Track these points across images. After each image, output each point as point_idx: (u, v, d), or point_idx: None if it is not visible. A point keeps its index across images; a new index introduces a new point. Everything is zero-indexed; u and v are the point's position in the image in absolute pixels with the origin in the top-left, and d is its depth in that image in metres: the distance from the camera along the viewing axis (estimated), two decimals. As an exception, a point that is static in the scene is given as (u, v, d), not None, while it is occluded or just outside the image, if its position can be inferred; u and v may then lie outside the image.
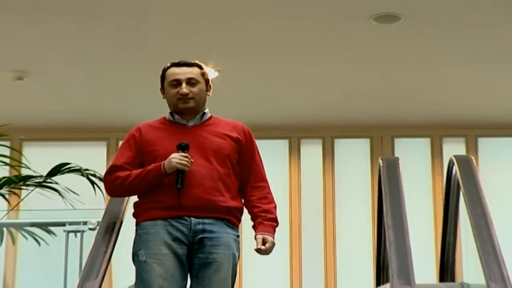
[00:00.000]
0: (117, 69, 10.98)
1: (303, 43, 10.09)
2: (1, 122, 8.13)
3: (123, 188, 5.28)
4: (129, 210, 5.50)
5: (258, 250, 5.19)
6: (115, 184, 5.27)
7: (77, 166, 7.89)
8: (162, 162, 5.14)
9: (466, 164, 6.08)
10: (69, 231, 7.26)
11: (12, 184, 7.96)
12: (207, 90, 5.47)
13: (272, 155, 11.83)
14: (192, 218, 5.13)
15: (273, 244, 5.23)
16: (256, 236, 5.22)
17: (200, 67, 5.48)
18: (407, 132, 12.82)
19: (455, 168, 6.22)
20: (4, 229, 7.85)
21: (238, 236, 5.29)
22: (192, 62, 5.49)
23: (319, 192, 12.67)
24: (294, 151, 12.81)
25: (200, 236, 5.12)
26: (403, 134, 12.81)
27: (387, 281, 5.83)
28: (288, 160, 12.79)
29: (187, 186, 5.13)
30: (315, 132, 12.74)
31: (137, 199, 5.35)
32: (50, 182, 7.83)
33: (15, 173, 8.41)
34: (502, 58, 10.56)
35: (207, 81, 5.47)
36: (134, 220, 5.29)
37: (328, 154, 12.76)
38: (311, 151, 12.82)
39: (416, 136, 12.81)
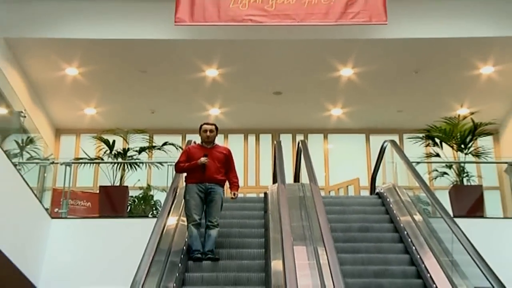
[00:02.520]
0: (186, 106, 10.04)
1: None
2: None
3: (182, 170, 4.92)
4: (181, 179, 5.06)
5: (232, 198, 4.93)
6: (178, 168, 4.93)
7: (171, 142, 7.68)
8: (198, 160, 4.81)
9: (304, 144, 6.01)
10: (168, 165, 6.99)
11: (148, 149, 7.75)
12: (216, 134, 5.05)
13: (235, 144, 11.12)
14: (207, 184, 4.80)
15: (237, 195, 4.95)
16: (231, 192, 4.93)
17: (215, 125, 5.06)
18: (285, 131, 11.09)
19: (300, 145, 6.12)
20: (147, 164, 7.61)
21: (223, 190, 4.96)
22: (213, 123, 5.13)
23: (253, 158, 11.54)
24: (245, 141, 11.68)
25: (209, 190, 4.80)
26: (284, 132, 11.13)
27: (276, 182, 5.56)
28: (243, 143, 11.62)
29: (206, 171, 4.81)
30: (256, 132, 11.54)
31: (185, 175, 4.96)
32: (162, 148, 7.63)
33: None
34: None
35: (217, 131, 5.05)
36: (184, 183, 4.94)
37: (257, 142, 11.61)
38: (253, 140, 11.68)
39: (286, 133, 11.10)
